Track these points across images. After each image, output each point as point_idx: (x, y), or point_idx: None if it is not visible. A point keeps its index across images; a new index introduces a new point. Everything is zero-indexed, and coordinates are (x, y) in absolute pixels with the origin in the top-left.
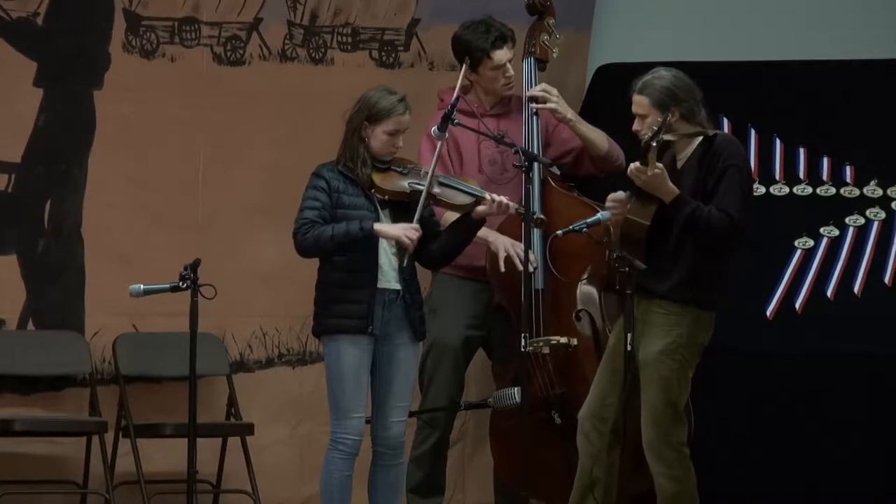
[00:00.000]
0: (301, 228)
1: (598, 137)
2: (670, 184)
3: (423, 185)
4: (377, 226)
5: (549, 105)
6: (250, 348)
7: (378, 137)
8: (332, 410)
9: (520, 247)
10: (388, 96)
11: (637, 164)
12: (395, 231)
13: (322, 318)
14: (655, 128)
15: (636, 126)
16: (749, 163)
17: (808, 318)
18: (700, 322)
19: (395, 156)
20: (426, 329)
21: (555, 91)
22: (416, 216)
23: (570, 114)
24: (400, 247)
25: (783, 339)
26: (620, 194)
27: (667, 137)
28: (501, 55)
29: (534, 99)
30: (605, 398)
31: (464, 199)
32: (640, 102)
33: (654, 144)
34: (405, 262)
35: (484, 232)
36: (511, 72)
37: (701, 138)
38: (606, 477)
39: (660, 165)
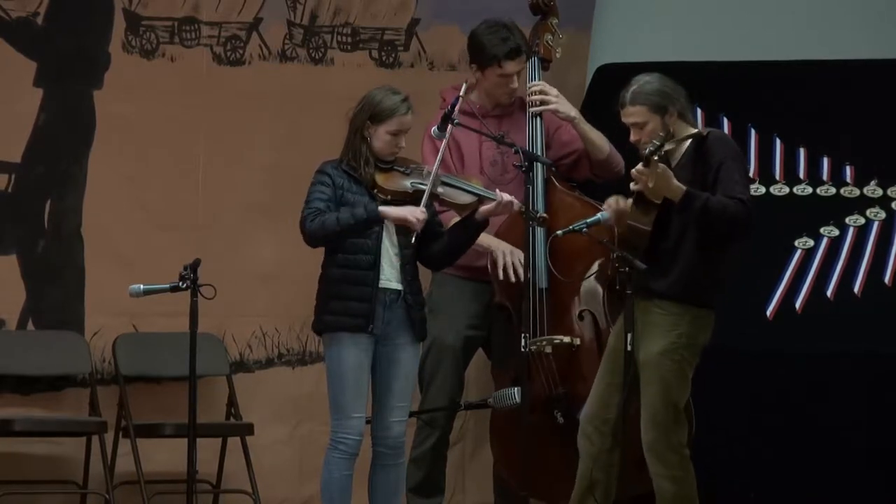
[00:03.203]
0: (308, 216)
1: (600, 140)
2: (676, 182)
3: (425, 185)
4: (382, 207)
5: (550, 107)
6: (250, 348)
7: (381, 137)
8: (332, 410)
9: (518, 254)
10: (391, 96)
11: (640, 166)
12: (401, 212)
13: (322, 315)
14: (657, 142)
15: (634, 136)
16: (742, 155)
17: (808, 318)
18: (700, 322)
19: (398, 156)
20: (426, 329)
21: (553, 91)
22: (425, 197)
23: (574, 112)
24: (407, 231)
25: (783, 339)
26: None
27: (667, 147)
28: (512, 67)
29: (533, 103)
30: (606, 399)
31: (467, 199)
32: (635, 112)
33: (656, 158)
34: (413, 241)
35: (485, 239)
36: (516, 84)
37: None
38: (606, 478)
39: (663, 166)
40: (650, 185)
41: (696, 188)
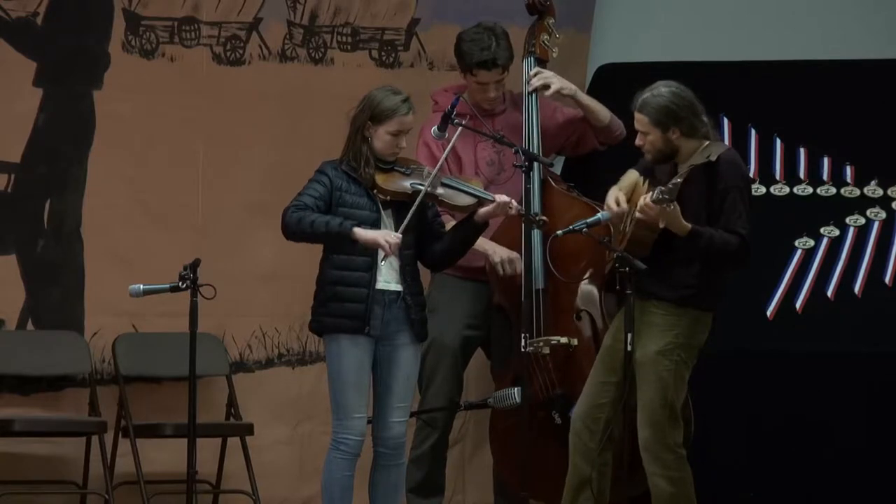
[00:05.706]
0: (291, 207)
1: (599, 108)
2: (682, 220)
3: (425, 186)
4: (357, 230)
5: (553, 88)
6: (250, 348)
7: (381, 137)
8: (333, 411)
9: (515, 256)
10: (391, 96)
11: (649, 200)
12: (374, 235)
13: (319, 316)
14: (667, 195)
15: (638, 141)
16: (748, 181)
17: (809, 318)
18: (698, 323)
19: (399, 156)
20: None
21: (548, 72)
22: (409, 215)
23: (573, 87)
24: (409, 231)
25: (783, 339)
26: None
27: (676, 180)
28: (485, 77)
29: (537, 91)
30: (598, 398)
31: (466, 200)
32: (640, 120)
33: (668, 208)
34: (381, 263)
35: (481, 243)
36: (493, 94)
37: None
38: (599, 477)
39: (674, 204)
40: (660, 225)
41: (701, 207)
